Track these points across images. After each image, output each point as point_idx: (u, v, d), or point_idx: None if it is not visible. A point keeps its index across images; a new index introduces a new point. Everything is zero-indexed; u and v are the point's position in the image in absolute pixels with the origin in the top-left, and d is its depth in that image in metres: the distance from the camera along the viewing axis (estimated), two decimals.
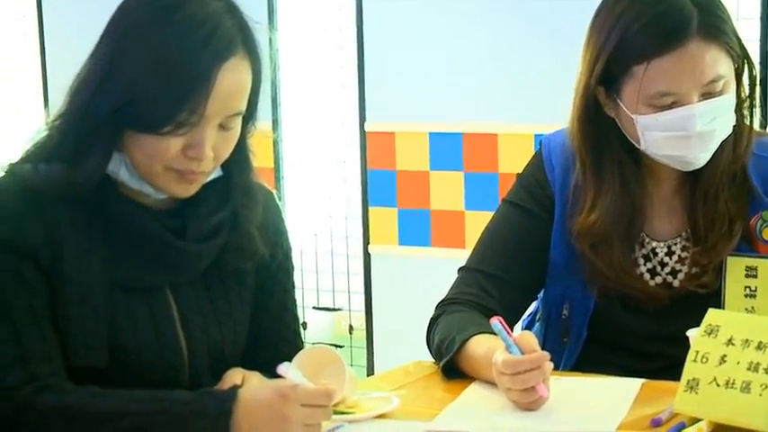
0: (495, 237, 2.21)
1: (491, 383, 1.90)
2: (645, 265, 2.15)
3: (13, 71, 4.91)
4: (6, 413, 1.69)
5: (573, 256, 2.14)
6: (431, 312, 2.16)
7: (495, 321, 1.84)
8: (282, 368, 1.68)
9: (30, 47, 4.78)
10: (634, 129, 2.05)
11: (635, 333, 2.15)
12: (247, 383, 1.78)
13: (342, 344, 4.33)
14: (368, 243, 4.30)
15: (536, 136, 3.77)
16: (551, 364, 1.84)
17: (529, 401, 1.82)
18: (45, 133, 1.81)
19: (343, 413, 1.79)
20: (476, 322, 2.05)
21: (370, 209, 4.27)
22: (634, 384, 1.94)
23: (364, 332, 4.38)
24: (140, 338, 1.79)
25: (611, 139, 2.11)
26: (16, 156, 1.82)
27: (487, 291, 2.15)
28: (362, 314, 4.37)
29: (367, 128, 4.23)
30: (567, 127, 2.16)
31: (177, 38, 1.71)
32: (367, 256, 4.31)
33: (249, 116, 1.84)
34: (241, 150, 1.86)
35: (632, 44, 2.01)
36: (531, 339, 1.84)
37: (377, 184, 4.24)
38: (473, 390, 1.95)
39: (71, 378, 1.74)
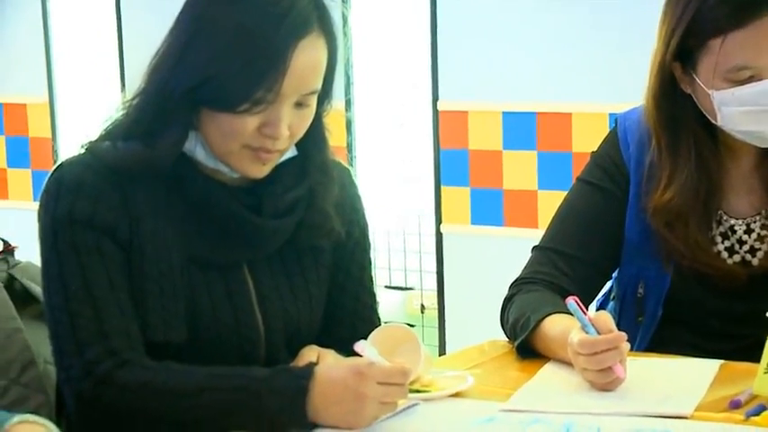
0: (570, 215, 2.20)
1: (566, 363, 1.89)
2: (723, 243, 2.12)
3: (91, 53, 4.96)
4: (86, 388, 1.72)
5: (648, 235, 2.13)
6: (502, 292, 2.16)
7: (571, 301, 1.83)
8: (359, 346, 1.69)
9: (107, 29, 4.82)
10: (711, 104, 2.03)
11: (711, 312, 2.13)
12: (323, 361, 1.79)
13: (413, 323, 4.34)
14: (440, 222, 4.30)
15: (610, 115, 3.73)
16: (628, 345, 1.82)
17: (605, 382, 1.80)
18: (123, 111, 1.83)
19: (418, 391, 1.79)
20: (550, 302, 2.04)
21: (443, 188, 4.26)
22: (712, 365, 1.92)
23: (436, 311, 4.39)
24: (217, 314, 1.81)
25: (688, 116, 2.08)
26: (95, 134, 1.84)
27: (562, 270, 2.14)
28: (434, 293, 4.37)
29: (440, 107, 4.22)
30: (643, 104, 2.14)
31: (254, 16, 1.71)
32: (439, 235, 4.31)
33: (325, 95, 1.84)
34: (317, 129, 1.87)
35: (708, 17, 1.98)
36: (607, 319, 1.83)
37: (449, 164, 4.23)
38: (548, 370, 1.94)
39: (149, 354, 1.76)
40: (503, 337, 2.12)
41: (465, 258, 4.28)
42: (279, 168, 1.84)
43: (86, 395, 1.72)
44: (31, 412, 1.87)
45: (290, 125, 1.77)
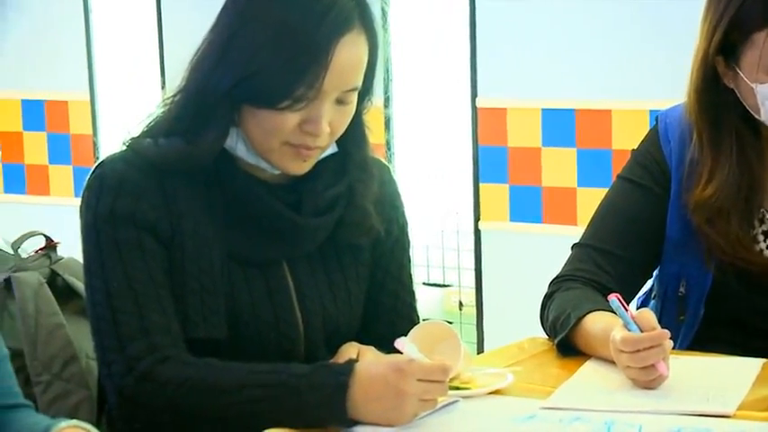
0: (610, 213, 2.19)
1: (607, 361, 1.88)
2: (765, 241, 2.11)
3: (132, 50, 4.98)
4: (127, 384, 1.72)
5: (690, 232, 2.11)
6: (541, 289, 2.15)
7: (613, 298, 1.82)
8: (400, 342, 1.69)
9: (148, 27, 4.84)
10: (754, 99, 2.02)
11: (754, 310, 2.11)
12: (363, 358, 1.79)
13: (451, 320, 4.33)
14: (478, 219, 4.29)
15: (650, 112, 3.72)
16: (671, 342, 1.81)
17: (648, 380, 1.79)
18: (164, 108, 1.84)
19: (457, 389, 1.78)
20: (591, 299, 2.03)
21: (481, 185, 4.26)
22: (755, 364, 1.90)
23: (474, 309, 4.38)
24: (257, 311, 1.81)
25: (730, 111, 2.07)
26: (136, 131, 1.85)
27: (602, 267, 2.13)
28: (472, 291, 4.36)
29: (479, 104, 4.21)
30: (685, 99, 2.13)
31: (295, 12, 1.72)
32: (477, 232, 4.30)
33: (365, 92, 1.84)
34: (357, 126, 1.87)
35: (753, 10, 1.97)
36: (650, 317, 1.81)
37: (488, 161, 4.22)
38: (589, 367, 1.93)
39: (189, 350, 1.76)
40: (541, 335, 2.11)
41: (503, 255, 4.27)
42: (319, 165, 1.84)
43: (128, 391, 1.73)
44: (73, 407, 1.89)
45: (330, 122, 1.78)
